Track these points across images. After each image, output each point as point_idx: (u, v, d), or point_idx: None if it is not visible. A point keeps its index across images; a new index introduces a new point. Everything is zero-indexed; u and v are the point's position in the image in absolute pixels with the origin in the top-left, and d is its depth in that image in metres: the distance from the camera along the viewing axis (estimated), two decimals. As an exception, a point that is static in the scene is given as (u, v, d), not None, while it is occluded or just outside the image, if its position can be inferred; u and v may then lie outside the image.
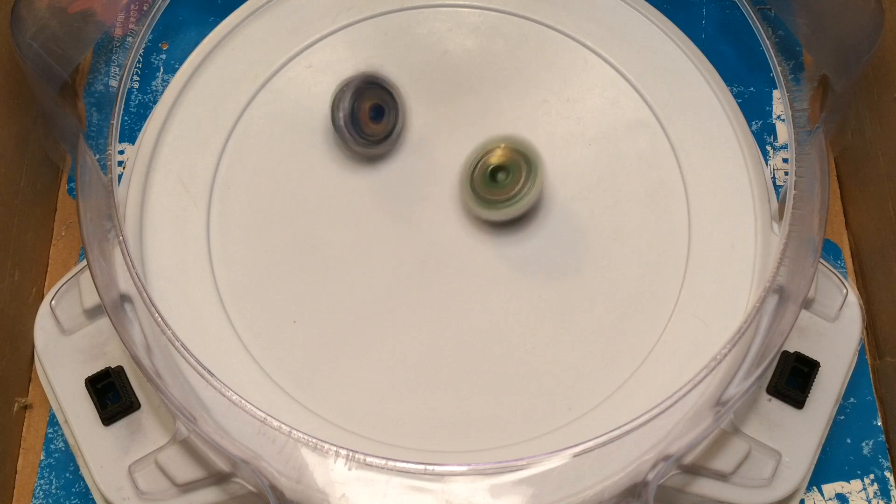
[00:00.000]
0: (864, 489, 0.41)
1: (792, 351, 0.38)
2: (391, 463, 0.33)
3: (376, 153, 0.41)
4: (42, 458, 0.42)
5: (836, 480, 0.42)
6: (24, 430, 0.42)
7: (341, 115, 0.40)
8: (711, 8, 0.50)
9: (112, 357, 0.38)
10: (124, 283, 0.37)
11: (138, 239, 0.39)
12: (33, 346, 0.38)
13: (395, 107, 0.41)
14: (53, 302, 0.39)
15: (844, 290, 0.39)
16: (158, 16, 0.42)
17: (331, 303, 0.39)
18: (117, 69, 0.41)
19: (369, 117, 0.40)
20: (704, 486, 0.36)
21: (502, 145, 0.39)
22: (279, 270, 0.40)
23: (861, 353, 0.43)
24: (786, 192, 0.39)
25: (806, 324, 0.39)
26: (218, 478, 0.35)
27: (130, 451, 0.36)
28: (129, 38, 0.41)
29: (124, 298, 0.37)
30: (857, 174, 0.47)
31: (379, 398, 0.38)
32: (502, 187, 0.39)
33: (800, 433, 0.37)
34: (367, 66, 0.42)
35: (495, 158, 0.39)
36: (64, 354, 0.38)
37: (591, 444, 0.33)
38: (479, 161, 0.39)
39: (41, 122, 0.43)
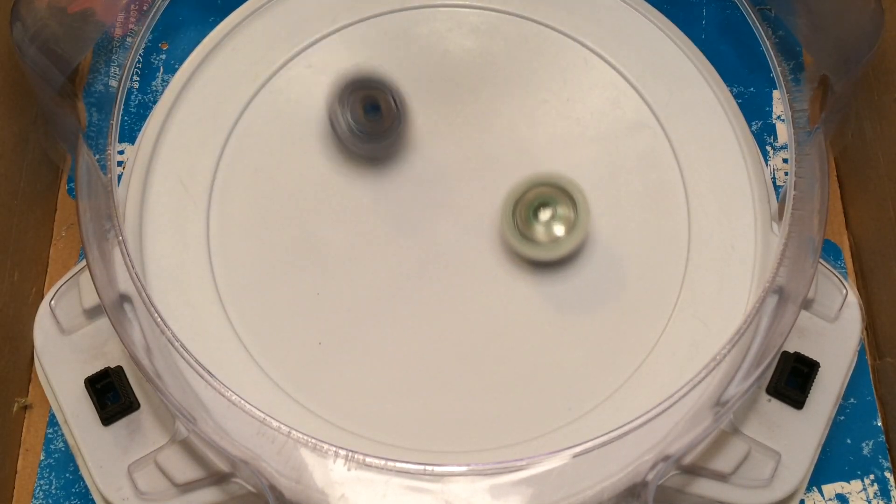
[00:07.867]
0: (864, 489, 0.41)
1: (792, 351, 0.38)
2: (390, 463, 0.33)
3: (375, 152, 0.41)
4: (42, 458, 0.42)
5: (836, 481, 0.42)
6: (23, 431, 0.42)
7: (338, 112, 0.39)
8: (711, 8, 0.50)
9: (112, 357, 0.38)
10: (124, 284, 0.37)
11: (138, 239, 0.39)
12: (33, 346, 0.38)
13: (391, 104, 0.40)
14: (53, 302, 0.39)
15: (844, 291, 0.39)
16: (158, 16, 0.42)
17: (331, 303, 0.39)
18: (117, 69, 0.41)
19: (364, 112, 0.39)
20: (704, 487, 0.36)
21: (549, 182, 0.38)
22: (279, 270, 0.40)
23: (861, 353, 0.43)
24: (786, 193, 0.39)
25: (806, 324, 0.39)
26: (217, 478, 0.35)
27: (130, 451, 0.36)
28: (129, 38, 0.41)
29: (124, 298, 0.37)
30: (857, 174, 0.47)
31: (378, 398, 0.38)
32: (545, 227, 0.38)
33: (799, 433, 0.37)
34: (361, 66, 0.41)
35: (539, 195, 0.38)
36: (63, 354, 0.38)
37: (590, 444, 0.33)
38: (521, 196, 0.38)
39: (41, 122, 0.43)
